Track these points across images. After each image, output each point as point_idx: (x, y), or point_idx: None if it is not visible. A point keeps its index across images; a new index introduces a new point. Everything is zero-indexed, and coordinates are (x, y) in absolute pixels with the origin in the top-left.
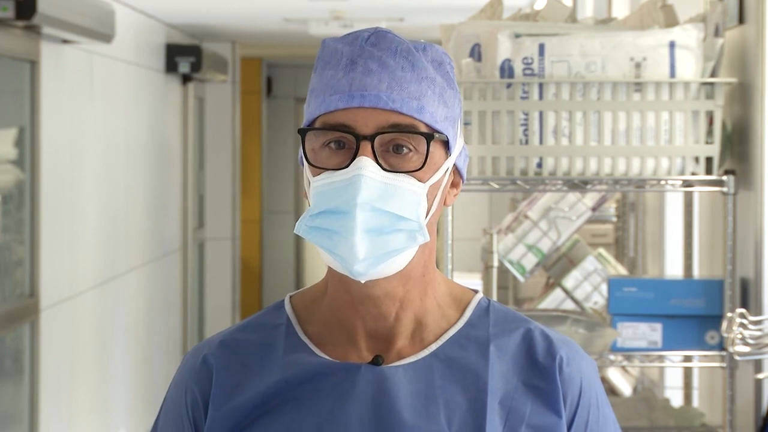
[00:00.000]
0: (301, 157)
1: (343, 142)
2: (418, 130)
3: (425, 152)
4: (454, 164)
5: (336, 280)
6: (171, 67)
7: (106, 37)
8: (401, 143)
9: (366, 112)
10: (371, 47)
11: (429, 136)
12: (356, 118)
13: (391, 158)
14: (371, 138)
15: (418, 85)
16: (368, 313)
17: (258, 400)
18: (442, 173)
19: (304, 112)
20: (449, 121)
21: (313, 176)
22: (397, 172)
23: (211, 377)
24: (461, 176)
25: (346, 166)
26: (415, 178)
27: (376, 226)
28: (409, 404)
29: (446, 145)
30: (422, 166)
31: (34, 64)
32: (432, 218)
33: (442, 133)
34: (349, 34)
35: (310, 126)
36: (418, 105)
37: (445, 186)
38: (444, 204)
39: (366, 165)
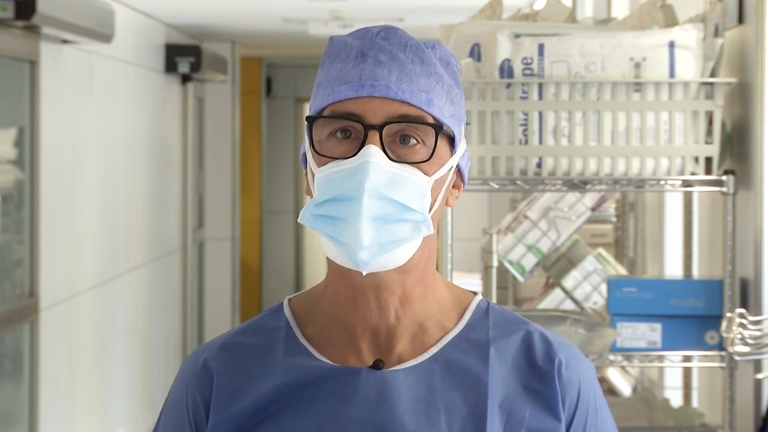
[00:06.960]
0: (304, 153)
1: (350, 131)
2: (427, 121)
3: (433, 144)
4: (457, 165)
5: (337, 275)
6: (171, 67)
7: (105, 37)
8: (409, 134)
9: (375, 101)
10: (381, 41)
11: (438, 128)
12: (365, 107)
13: (398, 149)
14: (380, 127)
15: (427, 79)
16: (369, 308)
17: (259, 405)
18: (446, 170)
19: (310, 106)
20: (455, 119)
21: (318, 166)
22: (403, 162)
23: (211, 382)
24: (462, 179)
25: (353, 155)
26: (420, 170)
27: (382, 214)
28: (410, 409)
29: (452, 142)
30: (429, 158)
31: (33, 64)
32: (434, 215)
33: (449, 127)
34: (358, 30)
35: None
36: (427, 98)
37: (448, 184)
38: (446, 204)
39: (374, 153)
